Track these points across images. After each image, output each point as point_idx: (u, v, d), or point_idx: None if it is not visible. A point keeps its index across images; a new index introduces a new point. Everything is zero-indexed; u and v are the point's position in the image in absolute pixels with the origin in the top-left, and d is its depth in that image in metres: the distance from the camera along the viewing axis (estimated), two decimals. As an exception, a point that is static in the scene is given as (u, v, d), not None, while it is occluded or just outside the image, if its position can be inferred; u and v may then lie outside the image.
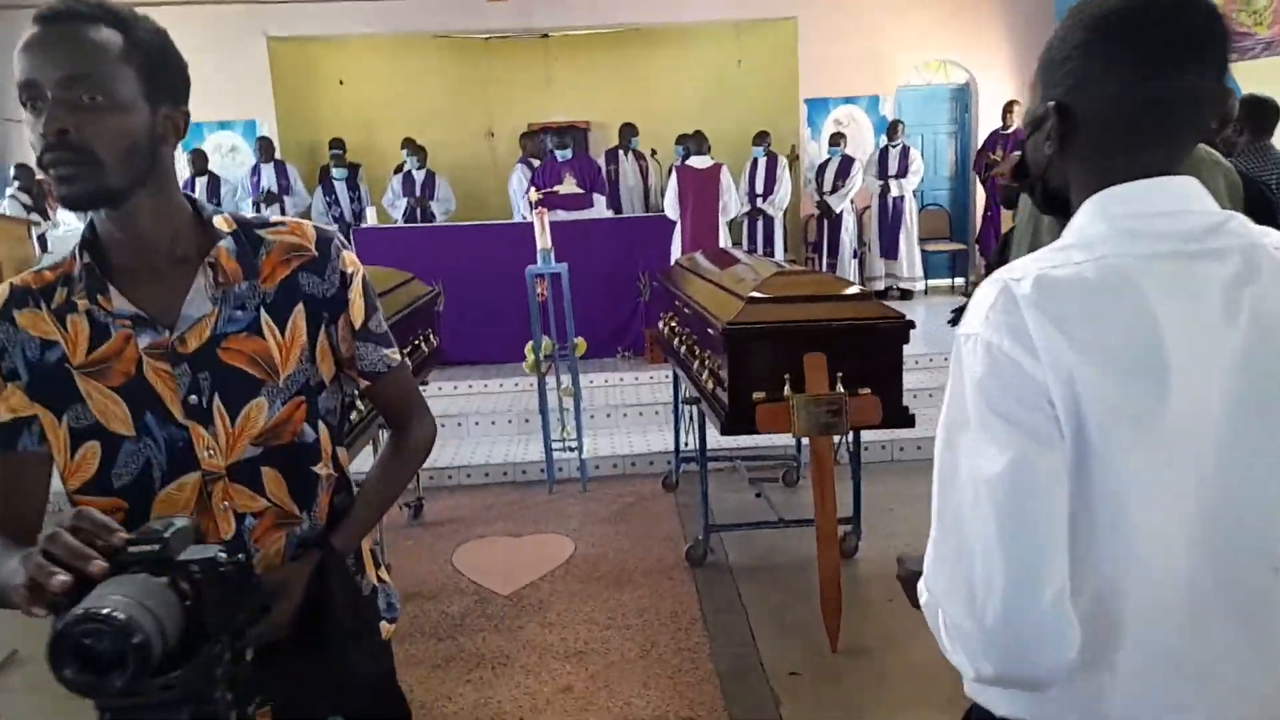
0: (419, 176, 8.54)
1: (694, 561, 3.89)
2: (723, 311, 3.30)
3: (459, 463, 5.18)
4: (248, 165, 8.85)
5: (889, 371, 3.20)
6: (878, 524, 4.13)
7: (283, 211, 8.68)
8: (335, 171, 8.81)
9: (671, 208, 7.00)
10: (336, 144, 9.23)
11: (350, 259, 1.34)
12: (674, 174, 7.13)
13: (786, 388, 3.12)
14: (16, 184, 7.51)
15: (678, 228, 6.87)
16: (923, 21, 9.16)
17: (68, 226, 6.99)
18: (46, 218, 7.54)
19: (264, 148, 8.66)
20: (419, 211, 8.34)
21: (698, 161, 7.01)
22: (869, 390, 3.15)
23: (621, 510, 4.57)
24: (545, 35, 10.74)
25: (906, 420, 3.23)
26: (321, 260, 1.31)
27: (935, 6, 9.13)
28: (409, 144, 9.02)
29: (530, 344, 4.86)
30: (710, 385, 3.37)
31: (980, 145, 9.06)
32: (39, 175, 8.30)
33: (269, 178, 8.70)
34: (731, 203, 7.12)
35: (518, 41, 10.80)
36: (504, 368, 6.33)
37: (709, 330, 3.36)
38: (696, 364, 3.66)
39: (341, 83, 10.23)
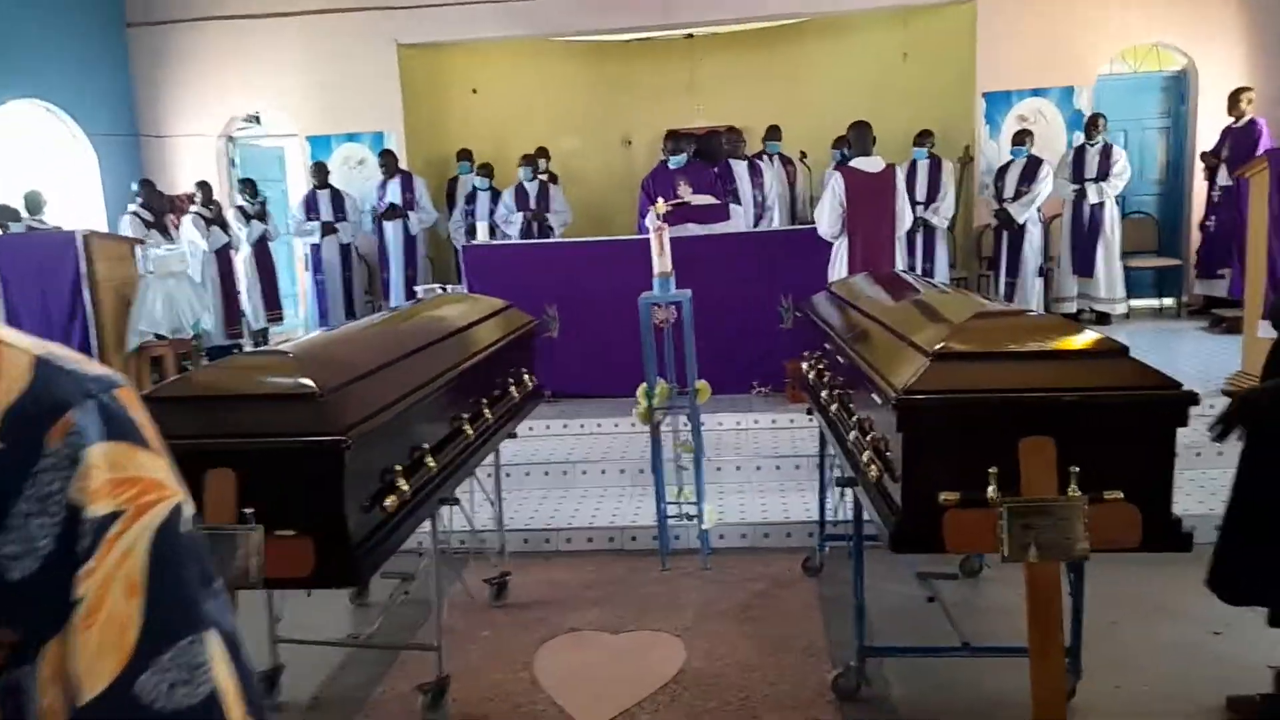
0: (532, 188, 7.88)
1: (843, 695, 2.90)
2: (896, 370, 2.32)
3: (559, 523, 4.38)
4: (376, 179, 8.47)
5: (1152, 468, 2.14)
6: (1097, 648, 3.01)
7: (406, 227, 8.24)
8: (478, 181, 8.32)
9: (830, 222, 5.18)
10: (464, 155, 8.77)
11: (116, 475, 0.51)
12: (836, 179, 5.27)
13: (991, 487, 2.11)
14: (139, 200, 7.35)
15: (841, 245, 5.29)
16: (1129, 1, 7.74)
17: (175, 249, 6.69)
18: (167, 235, 7.35)
19: (388, 162, 8.25)
20: (535, 226, 7.69)
21: (865, 163, 5.17)
22: (1120, 495, 2.11)
23: (749, 601, 3.63)
24: (689, 35, 9.94)
25: (1179, 541, 2.16)
26: (17, 461, 0.49)
27: (1145, -18, 7.70)
28: (541, 153, 8.44)
29: (642, 387, 4.00)
30: (873, 470, 2.40)
31: (1215, 143, 7.47)
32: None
33: (394, 192, 8.28)
34: (905, 211, 5.40)
35: (660, 43, 10.06)
36: (621, 403, 5.49)
37: (874, 396, 2.39)
38: (853, 435, 2.69)
39: (475, 91, 9.77)
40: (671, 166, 6.49)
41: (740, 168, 6.82)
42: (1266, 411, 2.50)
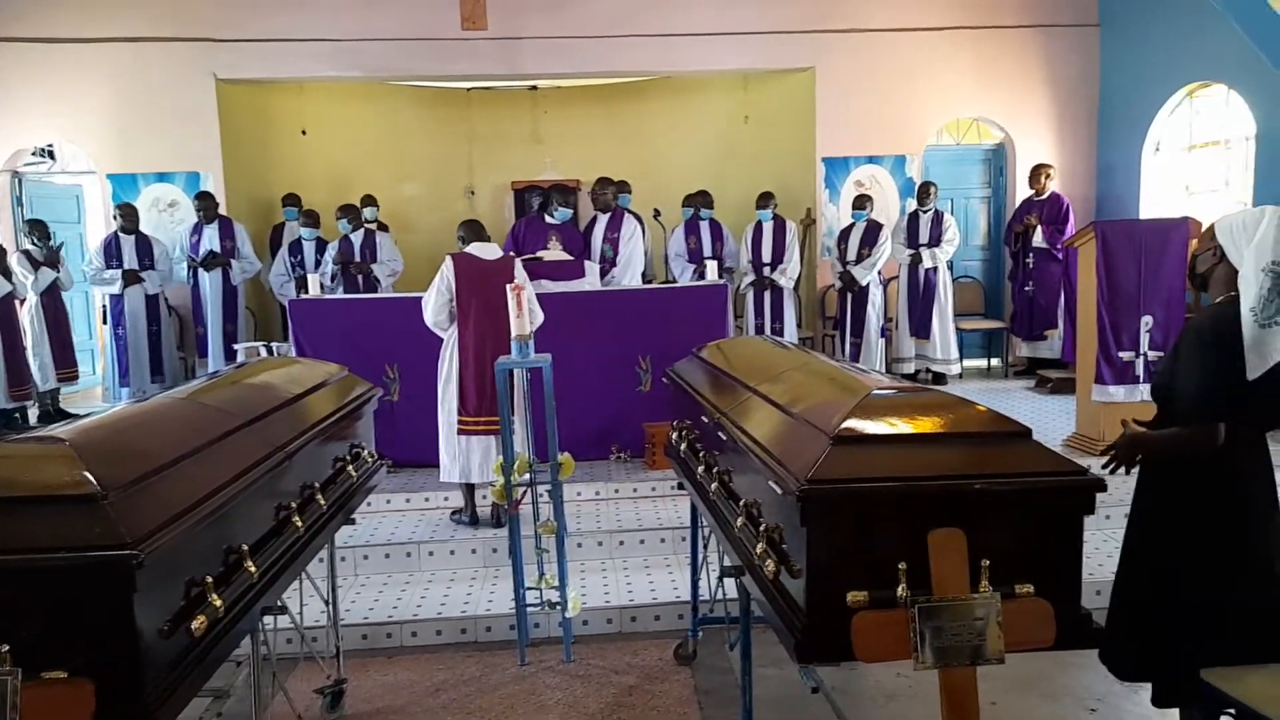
0: (356, 238, 7.38)
1: (731, 809, 2.63)
2: (792, 454, 2.12)
3: (404, 614, 3.91)
4: (188, 223, 7.70)
5: (1062, 560, 2.02)
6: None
7: (227, 277, 7.51)
8: (304, 231, 7.67)
9: (435, 309, 4.59)
10: (291, 200, 8.15)
11: None
12: (446, 264, 4.61)
13: (901, 585, 1.93)
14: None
15: (452, 335, 4.65)
16: (954, 77, 8.24)
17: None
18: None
19: (205, 205, 7.51)
20: (360, 279, 7.18)
21: (481, 249, 4.66)
22: (1030, 589, 1.97)
23: (620, 699, 3.31)
24: (534, 87, 9.79)
25: (1088, 636, 2.04)
26: None
27: (967, 61, 8.22)
28: (368, 201, 7.91)
29: (498, 461, 3.65)
30: (769, 565, 2.17)
31: (1016, 212, 8.02)
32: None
33: (211, 238, 7.54)
34: (537, 309, 4.52)
35: (503, 93, 9.85)
36: (471, 473, 5.09)
37: (770, 483, 2.17)
38: (741, 521, 2.46)
39: (304, 133, 9.18)
40: (554, 220, 6.20)
41: (603, 220, 6.62)
42: (1156, 462, 2.49)
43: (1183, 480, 2.46)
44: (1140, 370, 4.98)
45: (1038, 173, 7.81)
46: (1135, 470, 2.57)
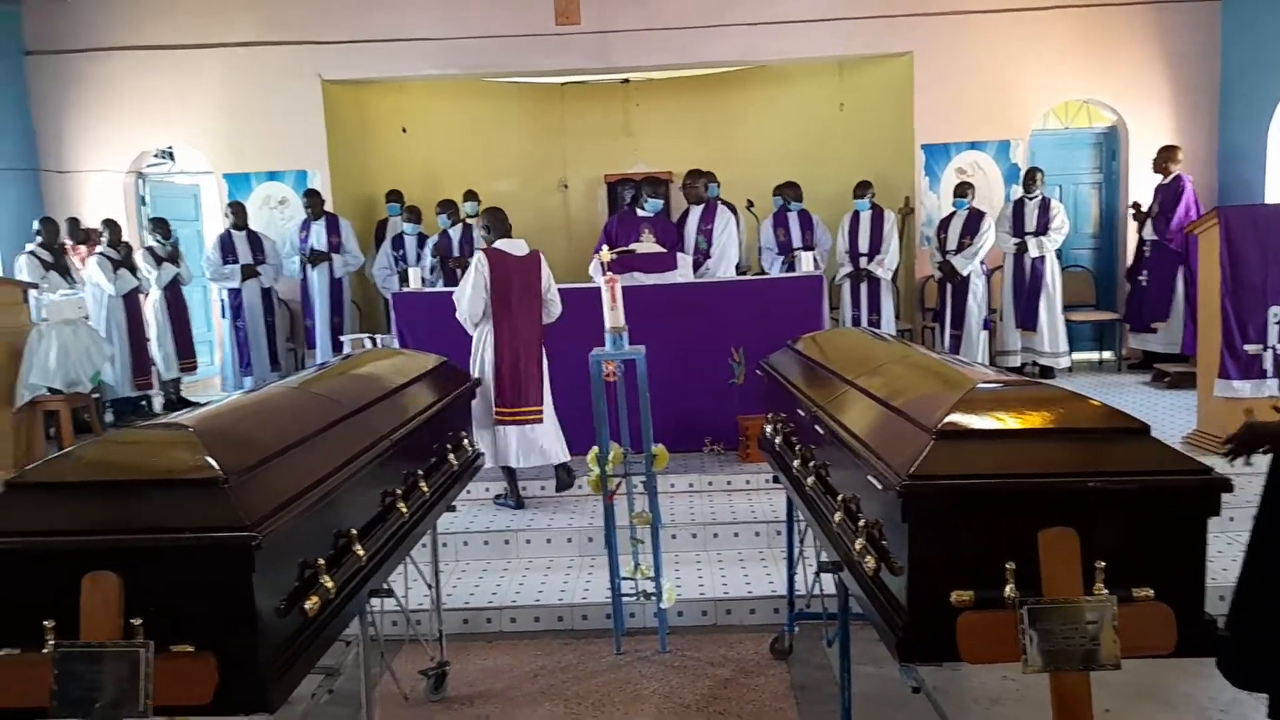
0: (455, 234, 7.54)
1: (828, 806, 2.60)
2: (894, 450, 2.07)
3: (503, 600, 3.99)
4: (297, 220, 8.03)
5: (1183, 562, 1.92)
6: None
7: (331, 271, 7.80)
8: (406, 226, 7.94)
9: (471, 304, 4.66)
10: (394, 196, 8.41)
11: None
12: (479, 259, 4.69)
13: (1009, 585, 1.86)
14: (39, 239, 6.77)
15: (485, 332, 4.77)
16: (1061, 58, 7.89)
17: (72, 293, 6.13)
18: (67, 277, 6.78)
19: (313, 202, 7.81)
20: (459, 273, 7.35)
21: (509, 245, 4.74)
22: (1150, 593, 1.88)
23: (715, 691, 3.30)
24: (625, 80, 9.83)
25: (1212, 643, 1.94)
26: None
27: (1075, 41, 7.86)
28: (470, 196, 8.10)
29: (593, 452, 3.69)
30: (869, 562, 2.13)
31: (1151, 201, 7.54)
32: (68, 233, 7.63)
33: (318, 234, 7.84)
34: (556, 300, 4.81)
35: (595, 87, 9.92)
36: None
37: (869, 477, 2.13)
38: (839, 516, 2.42)
39: (404, 130, 9.44)
40: (646, 213, 6.21)
41: (696, 212, 6.58)
42: None
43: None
44: (1268, 364, 4.69)
45: (1161, 155, 7.34)
46: (1263, 463, 2.42)
